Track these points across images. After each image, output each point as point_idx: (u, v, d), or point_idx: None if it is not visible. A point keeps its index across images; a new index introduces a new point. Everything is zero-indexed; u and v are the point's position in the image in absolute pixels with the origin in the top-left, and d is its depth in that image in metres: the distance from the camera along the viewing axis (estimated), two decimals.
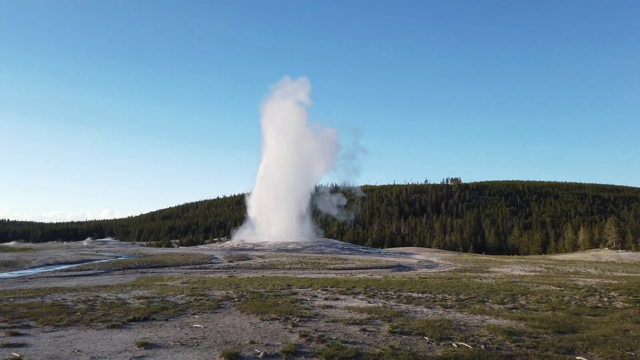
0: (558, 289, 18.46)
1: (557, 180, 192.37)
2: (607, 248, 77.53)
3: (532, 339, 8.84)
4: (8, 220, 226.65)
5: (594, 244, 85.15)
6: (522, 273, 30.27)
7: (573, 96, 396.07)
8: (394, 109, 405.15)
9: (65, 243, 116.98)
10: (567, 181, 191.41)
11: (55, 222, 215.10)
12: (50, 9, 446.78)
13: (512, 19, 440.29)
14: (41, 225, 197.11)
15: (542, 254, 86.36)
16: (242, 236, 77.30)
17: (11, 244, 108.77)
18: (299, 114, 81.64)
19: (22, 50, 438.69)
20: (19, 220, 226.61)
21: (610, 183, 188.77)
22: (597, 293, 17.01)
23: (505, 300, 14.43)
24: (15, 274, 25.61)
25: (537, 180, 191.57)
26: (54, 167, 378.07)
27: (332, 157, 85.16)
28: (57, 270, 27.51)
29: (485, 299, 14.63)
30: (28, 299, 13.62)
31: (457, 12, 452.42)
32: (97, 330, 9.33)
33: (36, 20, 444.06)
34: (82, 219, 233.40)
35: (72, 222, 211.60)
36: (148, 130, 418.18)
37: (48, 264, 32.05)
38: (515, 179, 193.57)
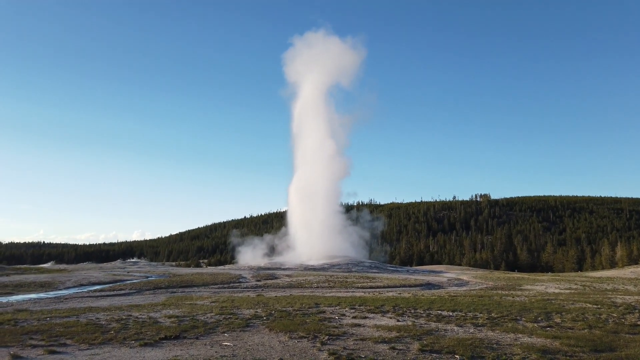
0: (595, 306, 17.81)
1: (591, 195, 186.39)
2: None
3: (568, 357, 8.58)
4: (43, 242, 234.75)
5: (633, 261, 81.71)
6: (557, 291, 29.29)
7: (605, 107, 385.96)
8: (419, 125, 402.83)
9: (106, 265, 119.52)
10: (602, 195, 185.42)
11: (88, 243, 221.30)
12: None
13: (524, 25, 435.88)
14: (75, 247, 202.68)
15: (577, 271, 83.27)
16: (265, 255, 77.01)
17: (47, 265, 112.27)
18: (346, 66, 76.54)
19: (50, 73, 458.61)
20: (54, 242, 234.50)
21: None
22: (637, 311, 16.34)
23: (539, 319, 14.03)
24: (51, 294, 26.35)
25: (570, 195, 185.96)
26: (87, 191, 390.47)
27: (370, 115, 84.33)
28: (90, 291, 28.18)
29: (518, 317, 14.25)
30: (64, 318, 14.03)
31: (478, 19, 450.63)
32: (131, 348, 9.55)
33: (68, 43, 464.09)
34: (114, 241, 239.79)
35: (104, 244, 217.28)
36: (175, 153, 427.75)
37: (82, 285, 32.84)
38: (546, 194, 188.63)
